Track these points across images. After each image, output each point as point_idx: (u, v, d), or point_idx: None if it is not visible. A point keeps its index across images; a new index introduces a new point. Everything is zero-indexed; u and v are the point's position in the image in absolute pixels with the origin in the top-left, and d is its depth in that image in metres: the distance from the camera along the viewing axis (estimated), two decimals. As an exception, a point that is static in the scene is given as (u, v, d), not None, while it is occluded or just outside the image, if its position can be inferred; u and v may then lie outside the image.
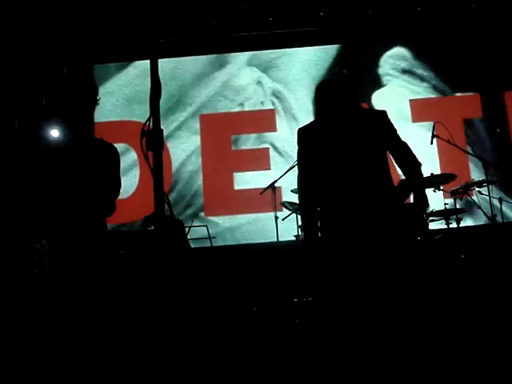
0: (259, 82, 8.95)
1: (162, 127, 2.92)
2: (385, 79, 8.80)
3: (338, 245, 3.68)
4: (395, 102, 8.59)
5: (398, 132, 3.89)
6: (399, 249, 3.72)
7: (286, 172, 6.79)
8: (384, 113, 3.94)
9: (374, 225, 3.65)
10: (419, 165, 3.94)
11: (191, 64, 9.02)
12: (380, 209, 3.68)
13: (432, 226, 6.89)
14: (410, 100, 8.68)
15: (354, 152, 3.74)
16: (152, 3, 7.64)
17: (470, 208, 6.98)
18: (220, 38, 8.89)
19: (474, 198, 6.78)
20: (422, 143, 7.11)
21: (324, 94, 3.92)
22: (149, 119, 2.90)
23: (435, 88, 8.76)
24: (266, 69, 8.99)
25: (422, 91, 8.76)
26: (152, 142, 2.89)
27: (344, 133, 3.80)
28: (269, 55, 9.00)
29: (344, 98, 3.90)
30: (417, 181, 3.93)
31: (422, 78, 8.80)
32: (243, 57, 9.01)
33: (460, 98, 8.71)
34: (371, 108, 4.04)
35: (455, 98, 8.71)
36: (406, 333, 3.59)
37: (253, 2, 8.41)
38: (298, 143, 4.01)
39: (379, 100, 8.58)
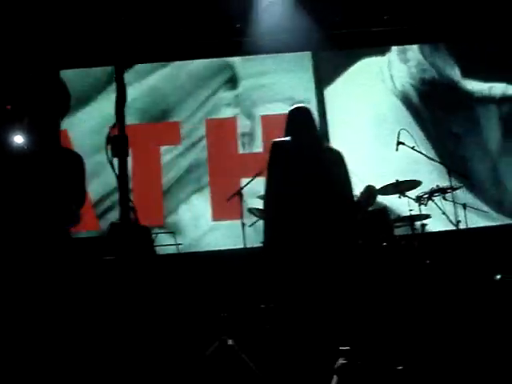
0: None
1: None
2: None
3: (294, 253, 3.99)
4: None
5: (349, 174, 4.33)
6: (342, 258, 4.05)
7: (253, 179, 6.80)
8: (342, 154, 4.36)
9: (325, 238, 4.02)
10: (354, 208, 4.53)
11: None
12: (331, 228, 4.04)
13: (397, 231, 6.95)
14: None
15: (317, 176, 4.10)
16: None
17: (434, 214, 7.05)
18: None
19: (439, 203, 6.85)
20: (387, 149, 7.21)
21: (298, 119, 4.31)
22: (114, 125, 2.88)
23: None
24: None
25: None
26: (117, 148, 2.87)
27: (312, 157, 4.13)
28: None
29: (314, 126, 4.32)
30: (348, 226, 4.25)
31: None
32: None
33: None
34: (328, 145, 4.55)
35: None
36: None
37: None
38: (271, 154, 4.17)
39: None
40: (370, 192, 7.21)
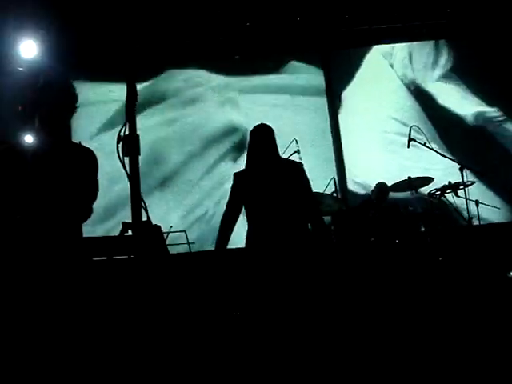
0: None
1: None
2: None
3: (261, 261, 4.49)
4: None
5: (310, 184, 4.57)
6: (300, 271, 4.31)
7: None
8: (301, 165, 4.58)
9: (286, 250, 4.33)
10: (320, 216, 4.56)
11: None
12: (292, 240, 4.36)
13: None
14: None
15: (276, 196, 4.39)
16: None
17: (447, 210, 7.03)
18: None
19: (451, 200, 6.83)
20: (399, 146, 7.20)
21: (256, 141, 4.58)
22: (125, 125, 2.89)
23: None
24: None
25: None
26: (128, 147, 2.88)
27: (269, 180, 4.44)
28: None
29: (271, 148, 4.55)
30: (319, 231, 4.50)
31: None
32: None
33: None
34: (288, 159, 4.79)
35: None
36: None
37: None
38: (233, 185, 4.59)
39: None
40: (381, 189, 7.24)
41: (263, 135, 4.60)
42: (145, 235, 3.32)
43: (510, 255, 7.22)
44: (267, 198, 4.39)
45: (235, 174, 4.63)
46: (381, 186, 7.30)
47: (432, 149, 6.80)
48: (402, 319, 5.37)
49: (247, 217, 4.56)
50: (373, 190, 7.35)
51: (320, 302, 4.41)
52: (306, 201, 4.48)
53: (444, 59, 9.30)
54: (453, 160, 6.92)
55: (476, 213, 7.02)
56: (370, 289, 6.02)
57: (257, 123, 4.71)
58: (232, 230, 4.66)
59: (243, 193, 4.53)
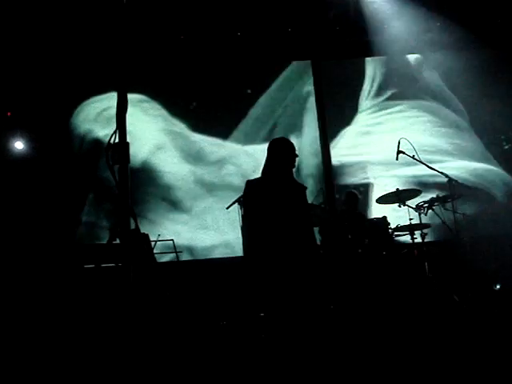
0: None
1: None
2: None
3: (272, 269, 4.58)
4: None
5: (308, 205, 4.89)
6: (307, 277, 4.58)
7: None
8: (305, 189, 4.82)
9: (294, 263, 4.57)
10: (313, 239, 4.79)
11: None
12: (298, 253, 4.60)
13: (397, 240, 6.97)
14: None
15: (288, 210, 4.62)
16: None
17: (434, 223, 7.05)
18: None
19: (439, 212, 6.84)
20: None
21: (277, 153, 4.74)
22: (115, 132, 2.88)
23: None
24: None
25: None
26: (118, 155, 2.87)
27: (283, 194, 4.67)
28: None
29: (290, 162, 4.75)
30: (310, 250, 4.70)
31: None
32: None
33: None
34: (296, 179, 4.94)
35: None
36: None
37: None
38: (245, 193, 4.78)
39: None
40: (349, 197, 7.32)
41: (283, 149, 4.75)
42: (133, 243, 3.30)
43: (496, 268, 7.25)
44: (275, 212, 4.59)
45: (248, 182, 4.78)
46: (347, 194, 7.39)
47: (421, 161, 6.82)
48: (393, 331, 5.38)
49: (250, 225, 4.72)
50: (343, 199, 7.44)
51: (311, 313, 4.57)
52: (304, 222, 4.68)
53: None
54: (441, 173, 6.94)
55: (463, 225, 7.04)
56: (357, 301, 6.03)
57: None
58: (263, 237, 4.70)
59: (255, 200, 4.69)
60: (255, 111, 9.19)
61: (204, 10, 8.29)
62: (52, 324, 3.32)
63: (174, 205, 8.67)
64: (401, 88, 9.38)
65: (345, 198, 7.46)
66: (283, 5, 8.35)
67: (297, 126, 9.20)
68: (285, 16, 8.58)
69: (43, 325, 3.28)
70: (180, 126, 9.02)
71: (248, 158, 8.92)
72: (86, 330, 3.73)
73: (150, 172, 8.70)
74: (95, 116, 8.80)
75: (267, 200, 4.65)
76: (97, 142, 8.53)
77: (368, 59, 9.48)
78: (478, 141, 9.26)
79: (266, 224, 4.61)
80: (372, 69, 9.45)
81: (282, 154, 4.75)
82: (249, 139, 9.05)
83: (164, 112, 8.98)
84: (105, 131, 8.57)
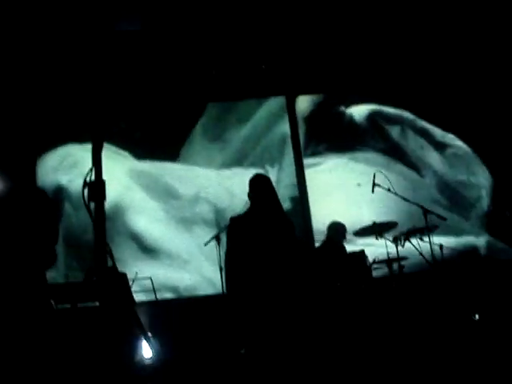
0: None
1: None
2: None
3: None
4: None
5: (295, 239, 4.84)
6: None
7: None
8: (292, 225, 4.81)
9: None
10: (300, 276, 4.78)
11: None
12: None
13: (375, 273, 6.98)
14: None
15: (273, 248, 4.59)
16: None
17: (411, 255, 7.07)
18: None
19: (416, 244, 6.88)
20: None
21: (258, 190, 4.74)
22: (91, 170, 2.89)
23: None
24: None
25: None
26: (94, 192, 2.87)
27: (268, 232, 4.62)
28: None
29: (273, 199, 4.73)
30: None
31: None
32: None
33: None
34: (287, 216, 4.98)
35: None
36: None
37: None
38: (229, 229, 4.78)
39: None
40: (337, 228, 7.32)
41: (262, 185, 4.77)
42: (110, 282, 3.27)
43: (474, 298, 7.29)
44: (261, 248, 4.57)
45: (232, 219, 4.78)
46: (336, 226, 7.37)
47: (396, 194, 6.88)
48: (372, 363, 5.36)
49: (233, 263, 4.68)
50: (329, 230, 7.40)
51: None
52: (290, 259, 4.67)
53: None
54: (417, 205, 7.00)
55: (440, 257, 7.08)
56: (336, 334, 6.01)
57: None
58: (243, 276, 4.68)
59: (240, 238, 4.65)
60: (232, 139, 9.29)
61: (178, 46, 8.38)
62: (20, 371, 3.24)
63: (147, 246, 8.59)
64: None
65: (329, 228, 7.43)
66: (257, 41, 8.49)
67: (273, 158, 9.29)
68: (258, 52, 8.71)
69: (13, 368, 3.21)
70: (144, 166, 8.99)
71: (220, 188, 8.92)
72: (59, 371, 3.66)
73: (119, 214, 8.64)
74: (57, 164, 8.78)
75: (252, 238, 4.63)
76: (60, 188, 8.49)
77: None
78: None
79: (249, 262, 4.58)
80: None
81: (265, 190, 4.75)
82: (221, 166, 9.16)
83: (126, 153, 8.96)
84: (67, 177, 8.54)
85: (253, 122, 9.33)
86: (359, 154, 9.36)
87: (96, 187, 2.88)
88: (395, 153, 9.38)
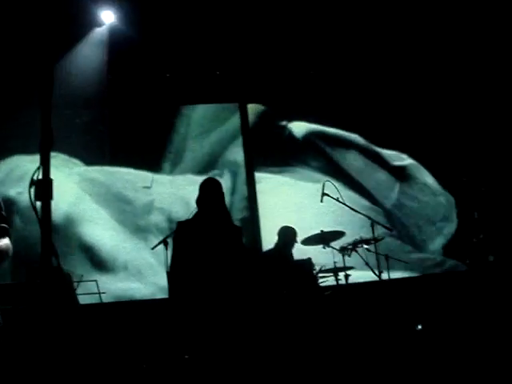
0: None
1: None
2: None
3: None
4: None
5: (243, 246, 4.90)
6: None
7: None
8: (240, 230, 4.88)
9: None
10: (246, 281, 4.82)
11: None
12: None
13: (322, 282, 7.03)
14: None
15: (219, 253, 4.61)
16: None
17: (358, 264, 7.15)
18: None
19: (362, 254, 6.98)
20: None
21: (207, 193, 4.76)
22: (38, 169, 2.84)
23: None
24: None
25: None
26: (41, 191, 2.82)
27: (214, 237, 4.64)
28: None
29: (219, 203, 4.75)
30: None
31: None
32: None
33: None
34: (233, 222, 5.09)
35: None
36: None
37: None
38: (176, 234, 4.80)
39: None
40: (284, 233, 7.31)
41: (212, 189, 4.77)
42: (53, 283, 3.22)
43: (418, 308, 7.42)
44: (207, 254, 4.57)
45: (179, 223, 4.81)
46: (286, 230, 7.32)
47: (344, 203, 6.96)
48: (316, 373, 5.40)
49: (178, 266, 4.68)
50: (280, 234, 7.33)
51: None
52: (236, 264, 4.68)
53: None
54: (364, 215, 7.10)
55: (386, 267, 7.18)
56: (282, 343, 6.04)
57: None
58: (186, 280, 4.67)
59: (186, 242, 4.66)
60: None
61: (132, 51, 8.34)
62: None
63: (101, 258, 8.46)
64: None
65: (279, 233, 7.38)
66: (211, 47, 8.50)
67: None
68: (213, 58, 8.73)
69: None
70: (95, 174, 8.87)
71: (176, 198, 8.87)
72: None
73: (71, 227, 8.50)
74: (4, 176, 8.61)
75: (197, 242, 4.63)
76: (8, 201, 8.23)
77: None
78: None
79: (193, 267, 4.57)
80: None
81: (213, 194, 4.76)
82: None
83: (77, 161, 8.82)
84: (16, 190, 8.37)
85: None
86: (297, 170, 9.45)
87: (43, 186, 2.83)
88: (334, 173, 9.39)
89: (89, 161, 8.88)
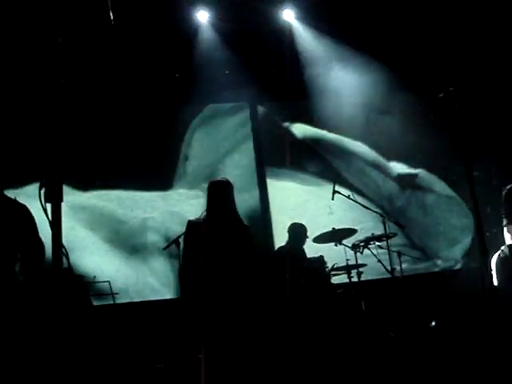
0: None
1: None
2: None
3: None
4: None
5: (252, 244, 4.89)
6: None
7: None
8: (248, 230, 4.92)
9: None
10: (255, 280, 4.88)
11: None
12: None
13: (334, 280, 7.02)
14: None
15: (229, 252, 4.65)
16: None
17: (370, 261, 7.13)
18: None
19: (374, 251, 6.96)
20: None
21: (216, 194, 4.81)
22: (47, 171, 2.86)
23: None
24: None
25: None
26: (51, 193, 2.84)
27: (224, 236, 4.70)
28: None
29: (230, 206, 4.78)
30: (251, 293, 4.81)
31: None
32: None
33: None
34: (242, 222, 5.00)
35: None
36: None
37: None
38: (186, 233, 4.83)
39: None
40: (295, 230, 7.29)
41: (220, 190, 4.82)
42: (66, 284, 3.24)
43: (431, 305, 7.38)
44: (216, 253, 4.60)
45: (189, 222, 4.83)
46: (296, 227, 7.31)
47: (356, 201, 6.96)
48: (331, 369, 5.40)
49: (188, 266, 4.73)
50: (290, 231, 7.31)
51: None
52: (246, 263, 4.73)
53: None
54: (375, 212, 7.09)
55: (398, 264, 7.16)
56: (296, 340, 6.04)
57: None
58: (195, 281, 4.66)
59: (196, 242, 4.66)
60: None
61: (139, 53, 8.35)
62: None
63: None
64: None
65: (289, 230, 7.38)
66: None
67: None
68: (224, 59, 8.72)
69: None
70: (85, 200, 8.57)
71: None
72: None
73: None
74: None
75: (208, 241, 4.65)
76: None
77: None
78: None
79: (204, 266, 4.58)
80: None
81: (221, 194, 4.80)
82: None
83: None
84: None
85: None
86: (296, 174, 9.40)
87: (53, 188, 2.85)
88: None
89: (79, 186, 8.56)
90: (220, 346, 4.49)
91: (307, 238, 7.27)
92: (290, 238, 7.31)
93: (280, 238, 7.74)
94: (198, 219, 4.83)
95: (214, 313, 4.54)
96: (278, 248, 7.63)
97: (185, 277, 4.89)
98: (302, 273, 6.68)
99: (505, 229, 4.87)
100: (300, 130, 9.53)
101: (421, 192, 9.43)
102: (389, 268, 6.90)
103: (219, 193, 4.81)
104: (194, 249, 4.68)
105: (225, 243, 4.67)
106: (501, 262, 4.76)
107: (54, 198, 2.85)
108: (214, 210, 4.78)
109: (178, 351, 6.25)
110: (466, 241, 9.23)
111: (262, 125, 9.49)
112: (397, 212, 9.17)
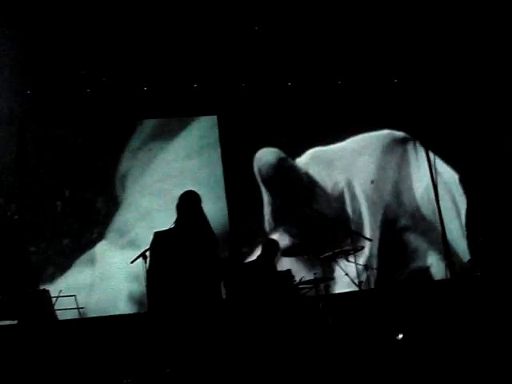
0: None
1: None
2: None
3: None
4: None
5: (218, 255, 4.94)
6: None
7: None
8: (216, 241, 4.88)
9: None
10: (218, 293, 4.92)
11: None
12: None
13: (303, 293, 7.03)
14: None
15: (194, 263, 4.67)
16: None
17: (338, 275, 7.16)
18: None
19: (342, 265, 6.99)
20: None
21: (184, 207, 4.84)
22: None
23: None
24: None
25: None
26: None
27: (190, 247, 4.71)
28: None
29: (197, 215, 4.82)
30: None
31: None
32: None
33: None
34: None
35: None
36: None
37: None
38: (152, 244, 4.77)
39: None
40: (268, 245, 7.32)
41: (191, 202, 4.85)
42: (31, 298, 3.19)
43: (398, 318, 7.42)
44: (182, 263, 4.63)
45: (156, 234, 4.78)
46: (271, 243, 7.33)
47: (323, 214, 7.00)
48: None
49: (154, 278, 4.73)
50: (263, 247, 7.33)
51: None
52: (209, 275, 4.74)
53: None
54: (343, 227, 7.14)
55: (365, 277, 7.21)
56: (262, 354, 6.02)
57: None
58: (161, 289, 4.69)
59: (162, 252, 4.69)
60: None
61: (110, 64, 8.31)
62: None
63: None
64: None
65: (264, 245, 7.37)
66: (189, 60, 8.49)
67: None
68: (190, 72, 8.71)
69: None
70: None
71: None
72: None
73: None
74: None
75: (173, 253, 4.67)
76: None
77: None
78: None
79: (169, 277, 4.60)
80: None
81: (190, 205, 4.82)
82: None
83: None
84: None
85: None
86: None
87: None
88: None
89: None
90: (189, 357, 4.49)
91: (278, 254, 7.30)
92: (263, 251, 7.32)
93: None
94: (163, 230, 4.83)
95: (180, 323, 4.52)
96: (248, 261, 7.62)
97: (150, 287, 4.89)
98: (270, 285, 6.68)
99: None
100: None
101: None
102: (356, 281, 6.93)
103: (187, 202, 4.85)
104: (159, 259, 4.69)
105: (190, 252, 4.69)
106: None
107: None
108: (182, 219, 4.80)
109: (144, 365, 6.20)
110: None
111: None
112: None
